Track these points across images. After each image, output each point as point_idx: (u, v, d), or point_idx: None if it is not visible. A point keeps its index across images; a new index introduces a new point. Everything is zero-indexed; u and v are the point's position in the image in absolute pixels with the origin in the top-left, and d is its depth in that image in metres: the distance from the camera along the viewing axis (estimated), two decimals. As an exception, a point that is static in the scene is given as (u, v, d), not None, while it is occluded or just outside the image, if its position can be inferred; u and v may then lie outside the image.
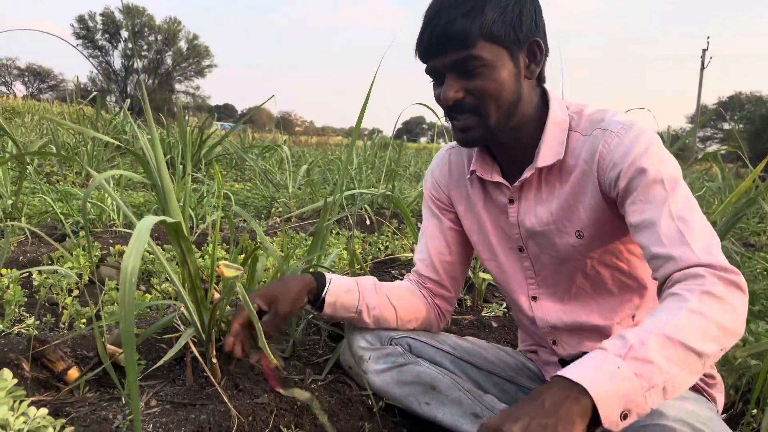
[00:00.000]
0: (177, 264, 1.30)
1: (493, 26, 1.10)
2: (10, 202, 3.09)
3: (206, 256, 2.60)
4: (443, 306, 1.50)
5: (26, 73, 49.84)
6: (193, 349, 1.32)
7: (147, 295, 1.98)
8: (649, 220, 1.05)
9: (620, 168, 1.11)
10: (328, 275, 1.40)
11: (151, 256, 2.37)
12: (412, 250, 2.62)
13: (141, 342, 1.41)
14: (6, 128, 3.93)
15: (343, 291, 1.37)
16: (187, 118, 5.34)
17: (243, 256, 2.70)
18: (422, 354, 1.41)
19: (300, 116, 67.16)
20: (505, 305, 2.33)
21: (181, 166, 3.86)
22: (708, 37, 43.91)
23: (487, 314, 2.24)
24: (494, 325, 2.11)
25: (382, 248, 3.52)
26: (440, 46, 1.12)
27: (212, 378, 1.28)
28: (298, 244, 2.91)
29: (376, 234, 3.78)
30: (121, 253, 2.53)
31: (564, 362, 1.37)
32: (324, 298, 1.36)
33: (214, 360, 1.30)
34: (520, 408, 0.84)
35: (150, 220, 0.89)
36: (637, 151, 1.10)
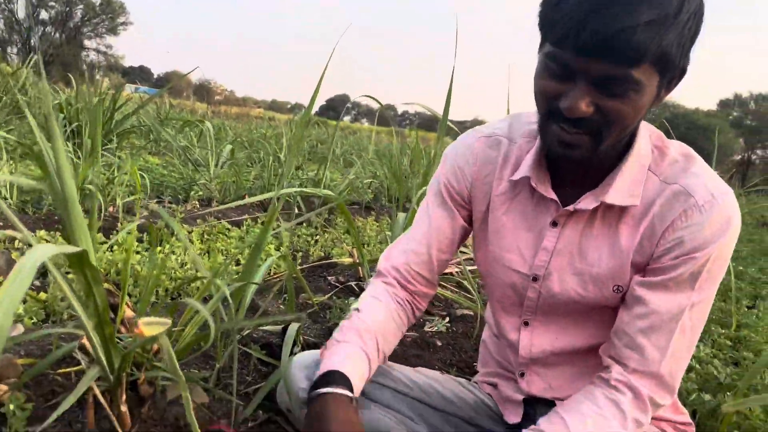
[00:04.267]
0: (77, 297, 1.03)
1: (669, 47, 0.87)
2: None
3: (115, 248, 2.29)
4: (421, 302, 1.29)
5: None
6: (97, 392, 1.06)
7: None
8: (653, 308, 1.02)
9: (680, 249, 1.00)
10: (348, 376, 1.05)
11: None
12: (351, 255, 2.40)
13: (32, 376, 1.14)
14: None
15: (359, 377, 1.09)
16: (98, 77, 4.83)
17: (160, 248, 2.41)
18: (375, 397, 1.23)
19: (220, 85, 64.48)
20: (446, 320, 2.18)
21: (89, 141, 3.44)
22: None
23: (430, 330, 2.08)
24: (438, 343, 1.96)
25: (311, 242, 3.30)
26: (598, 52, 0.87)
27: (120, 430, 1.04)
28: (229, 248, 2.63)
29: (304, 225, 3.56)
30: (8, 239, 2.17)
31: (527, 401, 1.24)
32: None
33: (124, 408, 1.06)
34: None
35: (41, 252, 0.64)
36: (707, 238, 0.99)
